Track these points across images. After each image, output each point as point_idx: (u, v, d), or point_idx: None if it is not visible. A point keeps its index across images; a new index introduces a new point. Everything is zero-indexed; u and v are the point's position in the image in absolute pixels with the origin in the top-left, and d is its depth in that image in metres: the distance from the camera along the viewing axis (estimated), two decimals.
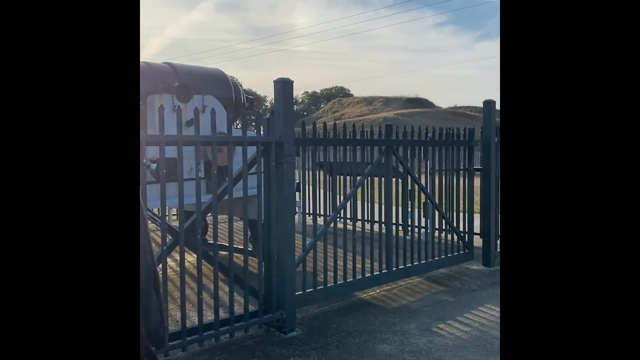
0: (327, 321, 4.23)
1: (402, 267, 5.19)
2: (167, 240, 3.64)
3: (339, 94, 78.18)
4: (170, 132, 3.52)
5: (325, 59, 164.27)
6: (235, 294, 3.80)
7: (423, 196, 5.52)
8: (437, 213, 5.68)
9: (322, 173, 4.86)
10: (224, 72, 6.00)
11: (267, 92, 72.37)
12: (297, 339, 3.87)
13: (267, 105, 63.44)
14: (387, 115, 51.10)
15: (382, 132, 5.03)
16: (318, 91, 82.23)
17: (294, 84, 4.02)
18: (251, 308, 3.89)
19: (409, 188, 5.36)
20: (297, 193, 6.63)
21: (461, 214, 6.01)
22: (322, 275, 4.44)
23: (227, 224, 3.84)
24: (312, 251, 4.33)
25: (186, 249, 3.64)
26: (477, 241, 6.19)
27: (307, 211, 5.26)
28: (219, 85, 5.69)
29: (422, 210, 5.60)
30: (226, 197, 3.79)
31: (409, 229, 5.39)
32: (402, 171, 5.27)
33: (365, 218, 4.86)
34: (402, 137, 5.21)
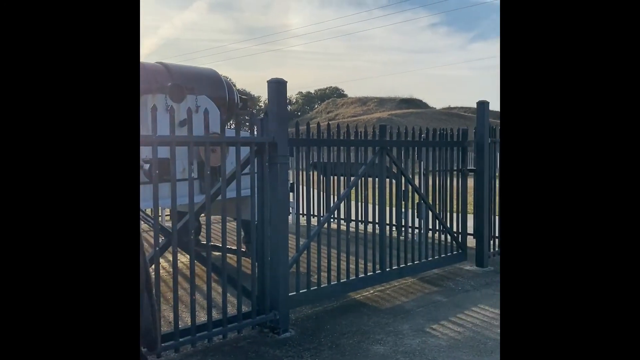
0: (320, 322, 4.22)
1: (396, 267, 5.19)
2: (160, 240, 3.62)
3: (333, 94, 78.21)
4: (163, 132, 3.50)
5: (319, 59, 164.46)
6: (228, 294, 3.78)
7: (417, 197, 5.53)
8: (430, 213, 5.68)
9: (316, 173, 4.85)
10: (218, 72, 5.98)
11: (261, 92, 72.23)
12: (290, 339, 3.86)
13: (261, 106, 63.33)
14: (381, 115, 51.18)
15: (376, 132, 5.03)
16: (312, 91, 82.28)
17: (287, 84, 4.01)
18: (244, 309, 3.87)
19: (403, 188, 5.36)
20: (291, 193, 6.62)
21: (454, 215, 6.02)
22: (316, 276, 4.44)
23: (220, 224, 3.83)
24: (305, 252, 4.32)
25: (179, 249, 3.62)
26: (471, 242, 6.20)
27: (301, 212, 5.25)
28: (212, 85, 5.67)
29: (415, 211, 5.60)
30: (219, 197, 3.78)
31: (403, 229, 5.40)
32: (395, 172, 5.28)
33: (359, 218, 4.86)
34: (395, 138, 5.22)
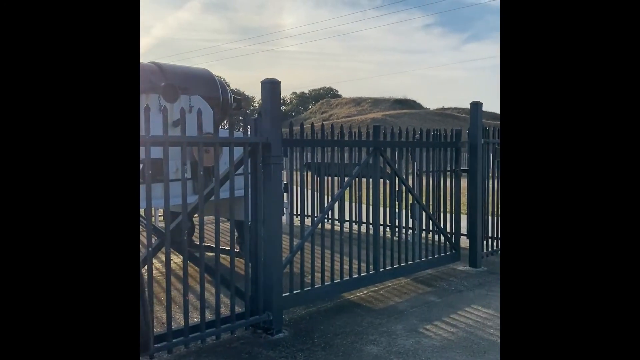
0: (314, 322, 4.22)
1: (390, 268, 5.20)
2: (153, 241, 3.60)
3: (328, 94, 78.24)
4: (156, 132, 3.48)
5: (313, 59, 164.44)
6: (221, 295, 3.77)
7: (410, 197, 5.54)
8: (424, 214, 5.70)
9: (309, 174, 4.85)
10: (211, 72, 5.97)
11: (255, 93, 72.12)
12: (283, 340, 3.85)
13: (255, 106, 63.25)
14: (376, 116, 51.27)
15: (370, 133, 5.04)
16: (306, 92, 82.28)
17: (281, 84, 4.00)
18: (238, 310, 3.86)
19: (397, 189, 5.37)
20: (285, 194, 6.61)
21: (448, 215, 6.04)
22: (310, 277, 4.43)
23: (214, 225, 3.82)
24: (299, 252, 4.32)
25: (172, 250, 3.61)
26: (464, 242, 6.22)
27: (295, 212, 5.24)
28: (206, 85, 5.65)
29: (409, 211, 5.61)
30: (213, 197, 3.77)
31: (397, 230, 5.40)
32: (389, 172, 5.28)
33: (353, 219, 4.86)
34: (389, 138, 5.22)
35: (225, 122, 6.22)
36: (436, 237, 5.88)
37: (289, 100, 79.81)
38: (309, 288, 4.42)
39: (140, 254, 1.92)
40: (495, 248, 6.57)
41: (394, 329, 4.08)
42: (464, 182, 6.17)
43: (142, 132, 3.36)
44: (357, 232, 4.83)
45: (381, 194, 5.15)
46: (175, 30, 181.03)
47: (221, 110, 5.72)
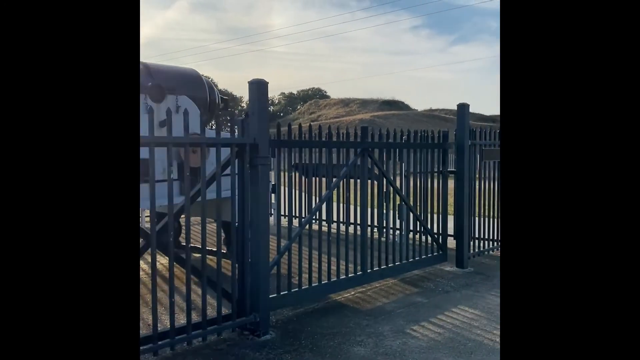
0: (301, 324, 4.21)
1: (377, 268, 5.21)
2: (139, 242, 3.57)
3: (316, 95, 78.26)
4: (142, 132, 3.45)
5: (302, 60, 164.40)
6: (208, 296, 3.75)
7: (398, 198, 5.55)
8: (411, 215, 5.71)
9: (297, 174, 4.84)
10: (199, 72, 5.93)
11: (243, 93, 71.92)
12: (270, 342, 3.83)
13: (243, 106, 63.10)
14: (364, 117, 51.39)
15: (358, 134, 5.04)
16: (295, 92, 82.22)
17: (270, 84, 3.99)
18: (225, 311, 3.84)
19: (384, 190, 5.38)
20: (273, 195, 6.59)
21: (435, 216, 6.06)
22: (297, 278, 4.42)
23: (201, 226, 3.79)
24: (286, 253, 4.31)
25: (158, 251, 3.58)
26: (451, 243, 6.25)
27: (282, 213, 5.23)
28: (193, 85, 5.62)
29: (397, 212, 5.63)
30: (199, 198, 3.74)
31: (384, 230, 5.41)
32: (377, 173, 5.29)
33: (341, 220, 4.86)
34: (377, 140, 5.23)
35: (212, 123, 6.19)
36: (423, 238, 5.91)
37: (277, 101, 79.72)
38: (297, 289, 4.41)
39: None
40: (481, 249, 6.61)
41: (381, 330, 4.09)
42: (451, 183, 6.20)
43: None
44: (344, 233, 4.83)
45: (369, 195, 5.16)
46: (163, 30, 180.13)
47: (208, 111, 5.70)
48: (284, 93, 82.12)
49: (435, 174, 6.03)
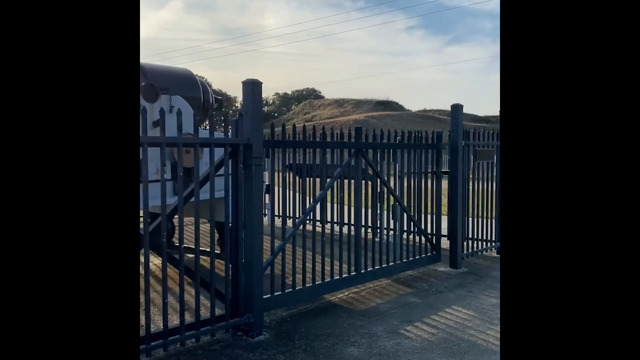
0: (295, 324, 4.21)
1: (371, 269, 5.21)
2: None
3: (310, 95, 78.25)
4: None
5: (296, 60, 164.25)
6: (201, 297, 3.74)
7: (392, 198, 5.56)
8: (405, 215, 5.72)
9: (291, 175, 4.84)
10: (193, 72, 5.92)
11: (237, 93, 71.77)
12: (264, 342, 3.83)
13: (237, 106, 62.98)
14: (358, 117, 51.44)
15: (352, 134, 5.04)
16: (289, 92, 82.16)
17: (264, 85, 3.98)
18: (218, 312, 3.83)
19: (378, 190, 5.38)
20: (267, 195, 6.58)
21: (429, 216, 6.07)
22: (291, 278, 4.41)
23: (194, 226, 3.78)
24: (280, 254, 4.30)
25: (151, 251, 3.57)
26: (445, 243, 6.26)
27: (276, 213, 5.22)
28: (186, 85, 5.61)
29: (390, 213, 5.63)
30: (193, 199, 3.73)
31: (378, 231, 5.42)
32: (371, 173, 5.29)
33: (335, 220, 4.86)
34: (371, 140, 5.23)
35: (206, 123, 6.17)
36: (417, 238, 5.92)
37: (271, 101, 79.65)
38: (290, 290, 4.40)
39: None
40: (475, 249, 6.63)
41: (375, 330, 4.09)
42: (444, 184, 6.22)
43: None
44: (338, 234, 4.83)
45: (363, 196, 5.16)
46: (156, 30, 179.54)
47: (202, 111, 5.68)
48: (278, 93, 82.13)
49: (429, 175, 6.04)
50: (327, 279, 4.73)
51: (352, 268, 5.00)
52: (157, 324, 3.94)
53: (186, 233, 5.25)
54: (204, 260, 4.09)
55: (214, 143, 3.72)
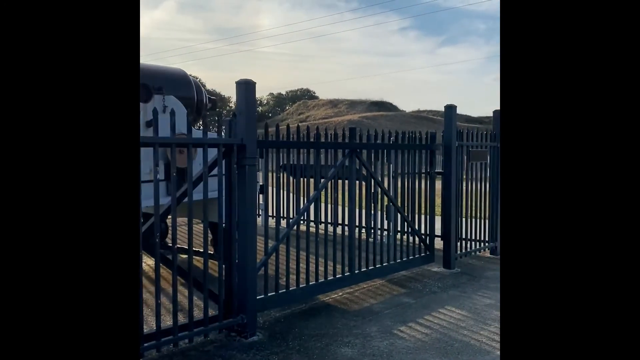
0: (288, 325, 4.20)
1: (365, 269, 5.21)
2: None
3: (304, 96, 78.21)
4: None
5: (290, 60, 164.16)
6: (195, 298, 3.72)
7: (386, 199, 5.56)
8: (399, 216, 5.73)
9: (285, 175, 4.83)
10: (186, 72, 5.90)
11: (231, 93, 71.47)
12: (258, 343, 3.82)
13: (232, 106, 62.83)
14: (352, 118, 51.49)
15: (346, 135, 5.04)
16: (283, 93, 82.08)
17: (258, 85, 3.97)
18: (211, 312, 3.82)
19: (372, 191, 5.39)
20: (261, 195, 6.57)
21: (422, 217, 6.08)
22: (285, 279, 4.41)
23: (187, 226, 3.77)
24: (274, 254, 4.29)
25: (144, 252, 3.55)
26: (438, 243, 6.28)
27: (270, 213, 5.21)
28: (180, 85, 5.59)
29: (384, 213, 5.64)
30: (186, 199, 3.72)
31: (372, 231, 5.42)
32: (365, 174, 5.30)
33: (329, 220, 4.86)
34: (365, 141, 5.24)
35: (200, 123, 6.15)
36: (411, 238, 5.92)
37: (265, 101, 79.55)
38: (284, 290, 4.40)
39: None
40: (469, 250, 6.65)
41: (369, 330, 4.09)
42: (438, 184, 6.23)
43: None
44: (332, 234, 4.83)
45: (357, 196, 5.16)
46: (150, 30, 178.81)
47: (196, 111, 5.67)
48: (272, 93, 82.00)
49: (423, 175, 6.05)
50: (321, 280, 4.73)
51: (346, 268, 5.00)
52: (150, 324, 3.93)
53: (179, 233, 5.23)
54: (197, 261, 4.08)
55: (207, 143, 3.71)
